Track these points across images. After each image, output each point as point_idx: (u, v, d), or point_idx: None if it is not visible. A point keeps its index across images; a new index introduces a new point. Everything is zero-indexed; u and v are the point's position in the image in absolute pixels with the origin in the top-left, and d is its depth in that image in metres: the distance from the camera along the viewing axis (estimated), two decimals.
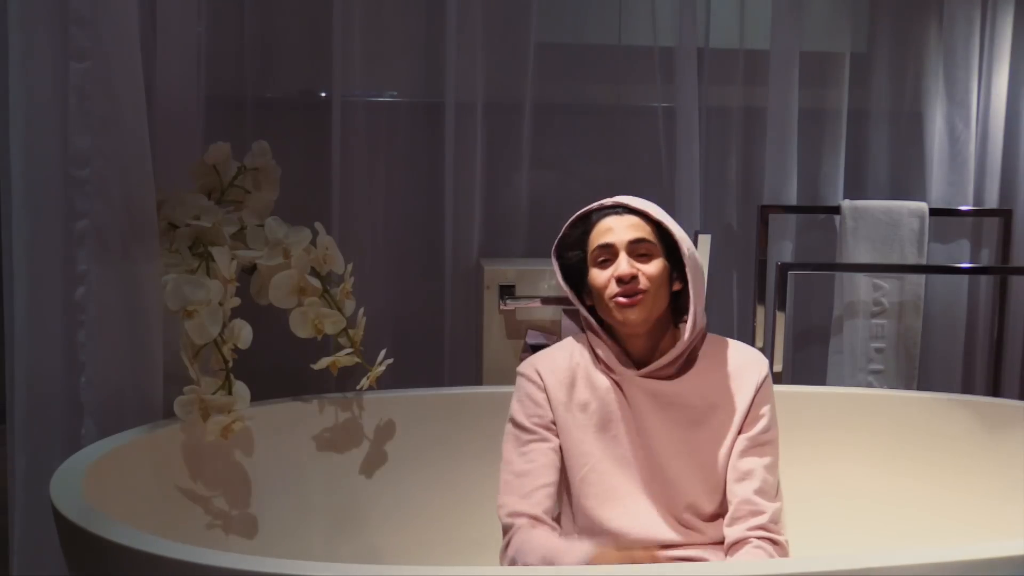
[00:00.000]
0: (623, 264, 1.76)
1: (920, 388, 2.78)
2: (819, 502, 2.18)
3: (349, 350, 2.10)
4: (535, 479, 1.78)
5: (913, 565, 1.40)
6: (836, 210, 2.79)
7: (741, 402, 1.81)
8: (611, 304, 1.77)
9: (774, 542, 1.73)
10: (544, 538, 1.72)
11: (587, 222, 1.83)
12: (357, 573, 1.46)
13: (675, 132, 2.75)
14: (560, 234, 1.86)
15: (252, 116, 2.58)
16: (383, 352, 2.15)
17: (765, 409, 1.82)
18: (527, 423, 1.83)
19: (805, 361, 2.91)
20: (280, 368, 2.33)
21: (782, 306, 2.69)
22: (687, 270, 1.78)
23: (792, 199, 2.79)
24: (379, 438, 2.18)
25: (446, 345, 2.67)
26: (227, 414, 1.92)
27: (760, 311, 2.74)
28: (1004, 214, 2.83)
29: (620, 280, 1.76)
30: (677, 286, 1.82)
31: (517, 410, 1.85)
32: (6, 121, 1.81)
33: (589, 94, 2.78)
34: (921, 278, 2.79)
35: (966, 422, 2.19)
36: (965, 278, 2.86)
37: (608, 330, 1.85)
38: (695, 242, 2.53)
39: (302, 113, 2.67)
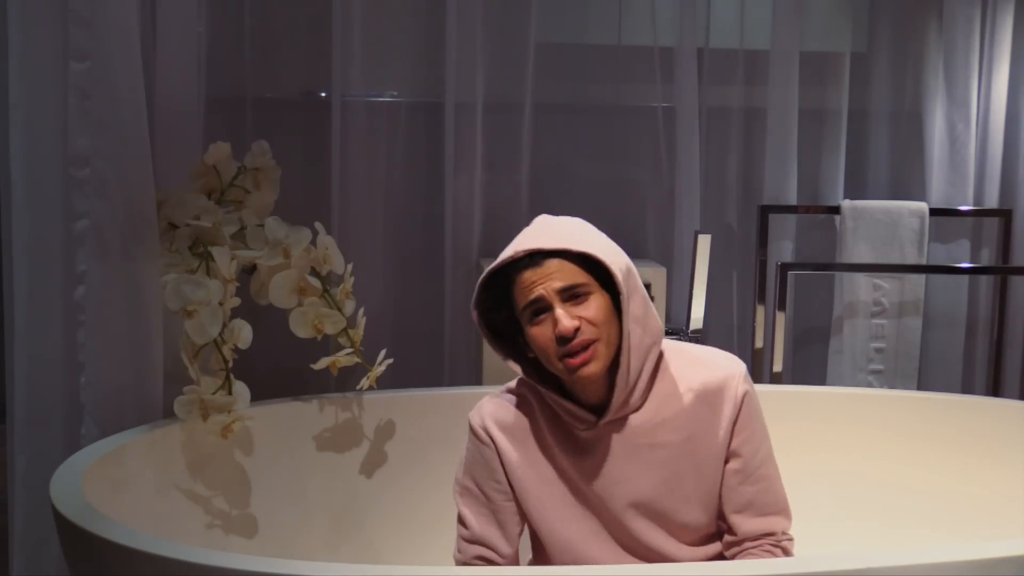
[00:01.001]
0: (562, 320, 1.54)
1: (920, 388, 2.78)
2: (819, 502, 2.18)
3: (349, 350, 2.10)
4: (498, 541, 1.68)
5: (913, 565, 1.40)
6: (836, 210, 2.79)
7: (723, 428, 1.65)
8: (561, 365, 1.57)
9: (784, 551, 1.67)
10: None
11: (505, 278, 1.61)
12: (357, 573, 1.46)
13: (675, 132, 2.75)
14: (475, 294, 1.65)
15: (252, 116, 2.58)
16: (383, 352, 2.15)
17: (750, 428, 1.66)
18: (487, 491, 1.68)
19: (805, 361, 2.91)
20: (280, 368, 2.34)
21: (782, 306, 2.69)
22: (621, 295, 1.57)
23: (792, 199, 2.79)
24: (379, 438, 2.18)
25: (446, 345, 2.67)
26: (227, 414, 1.93)
27: (760, 311, 2.74)
28: (1004, 214, 2.83)
29: (563, 337, 1.54)
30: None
31: (467, 472, 1.70)
32: (6, 121, 1.81)
33: (589, 94, 2.78)
34: (921, 278, 2.79)
35: (966, 422, 2.19)
36: (965, 278, 2.86)
37: (556, 379, 1.64)
38: (695, 242, 2.53)
39: (302, 113, 2.67)
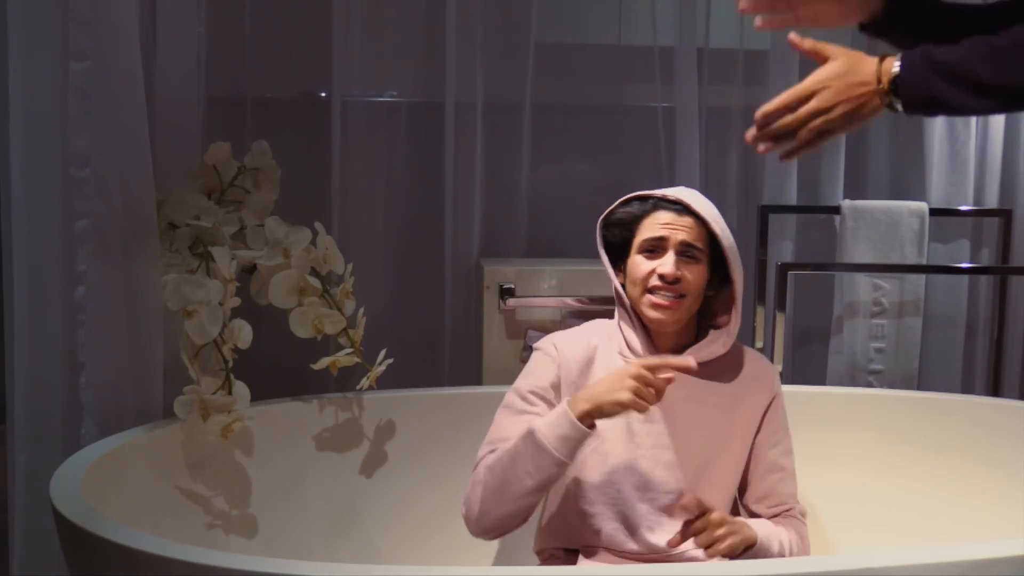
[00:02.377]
0: (669, 264, 1.74)
1: (920, 388, 2.78)
2: (819, 502, 2.18)
3: (349, 350, 2.10)
4: None
5: (913, 565, 1.40)
6: (836, 210, 2.79)
7: (757, 413, 1.84)
8: (645, 299, 1.76)
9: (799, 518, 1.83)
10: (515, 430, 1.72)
11: (643, 205, 1.80)
12: (357, 573, 1.46)
13: (675, 132, 2.75)
14: (611, 207, 1.84)
15: (252, 116, 2.58)
16: (383, 352, 2.15)
17: (777, 422, 1.86)
18: (527, 393, 1.80)
19: (805, 361, 2.91)
20: (280, 368, 2.33)
21: (782, 306, 2.68)
22: (733, 280, 1.80)
23: (792, 199, 2.79)
24: (379, 438, 2.18)
25: (446, 345, 2.67)
26: (227, 414, 1.93)
27: (760, 311, 2.73)
28: (1004, 214, 2.83)
29: (663, 278, 1.74)
30: (709, 292, 1.82)
31: (520, 383, 1.82)
32: (6, 121, 1.81)
33: (589, 94, 2.77)
34: (921, 278, 2.79)
35: (966, 422, 2.19)
36: (965, 278, 2.86)
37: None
38: None
39: (302, 113, 2.67)
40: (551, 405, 1.77)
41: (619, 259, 1.84)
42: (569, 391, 1.78)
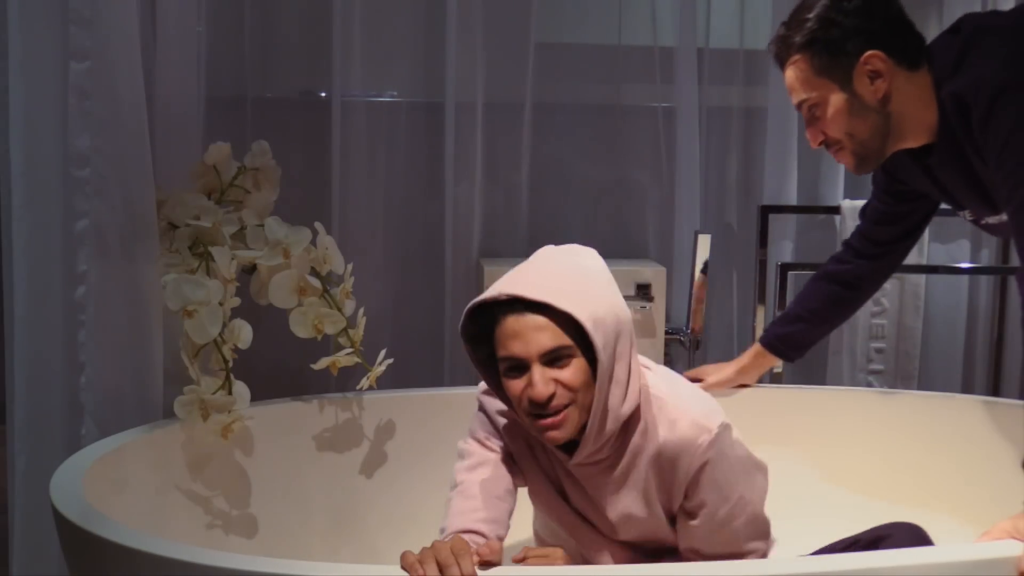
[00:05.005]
0: (538, 383, 1.48)
1: (920, 388, 2.78)
2: (818, 502, 2.18)
3: (349, 350, 2.10)
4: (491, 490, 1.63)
5: (913, 565, 1.40)
6: (836, 210, 2.79)
7: (677, 490, 1.60)
8: (531, 424, 1.53)
9: None
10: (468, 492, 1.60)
11: (489, 318, 1.54)
12: (357, 573, 1.46)
13: (675, 132, 2.75)
14: (461, 322, 1.58)
15: (252, 116, 2.58)
16: (383, 352, 2.15)
17: (703, 496, 1.58)
18: (484, 441, 1.70)
19: (805, 361, 2.89)
20: (280, 368, 2.33)
21: (782, 306, 2.68)
22: (598, 373, 1.50)
23: (792, 199, 2.79)
24: (379, 438, 2.18)
25: (446, 345, 2.67)
26: (227, 414, 1.92)
27: (760, 311, 2.73)
28: None
29: (534, 403, 1.49)
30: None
31: (470, 436, 1.72)
32: (6, 121, 1.81)
33: (589, 94, 2.77)
34: (921, 278, 2.79)
35: (966, 422, 2.19)
36: (965, 278, 2.86)
37: None
38: (695, 242, 2.53)
39: (302, 113, 2.67)
40: (508, 454, 1.69)
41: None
42: (516, 449, 1.68)
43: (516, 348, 1.49)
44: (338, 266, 2.13)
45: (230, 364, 1.97)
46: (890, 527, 1.62)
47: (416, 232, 2.71)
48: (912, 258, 2.75)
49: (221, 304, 1.94)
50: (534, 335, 1.48)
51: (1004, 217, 1.77)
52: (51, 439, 1.86)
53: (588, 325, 1.48)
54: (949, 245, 2.87)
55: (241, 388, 1.98)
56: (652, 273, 2.57)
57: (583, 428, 1.55)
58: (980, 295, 2.90)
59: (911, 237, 2.11)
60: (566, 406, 1.50)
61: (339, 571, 1.41)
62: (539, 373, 1.48)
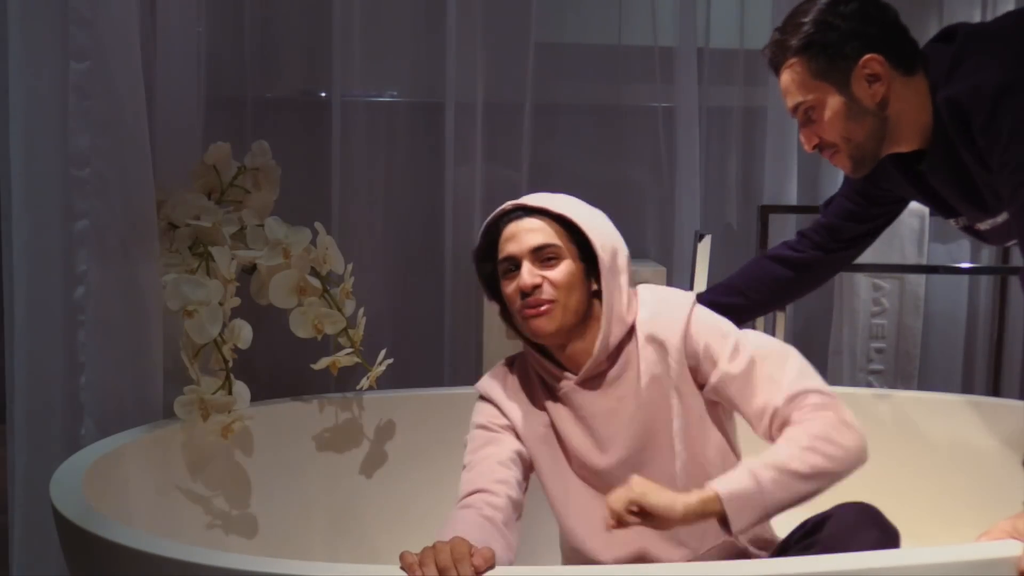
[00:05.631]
0: (525, 275, 1.63)
1: (920, 388, 2.78)
2: (817, 501, 2.18)
3: (349, 350, 2.10)
4: (491, 464, 1.64)
5: (913, 565, 1.40)
6: None
7: (674, 362, 1.65)
8: (519, 317, 1.66)
9: (817, 407, 1.55)
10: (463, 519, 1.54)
11: (491, 232, 1.72)
12: (357, 573, 1.46)
13: (675, 132, 2.75)
14: (476, 245, 1.76)
15: (252, 116, 2.58)
16: (383, 352, 2.15)
17: (705, 341, 1.65)
18: (489, 424, 1.72)
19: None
20: (280, 368, 2.34)
21: (782, 308, 2.68)
22: (600, 271, 1.65)
23: (792, 199, 2.79)
24: (379, 438, 2.18)
25: (446, 345, 2.67)
26: (227, 414, 1.93)
27: None
28: None
29: (523, 292, 1.63)
30: (595, 285, 1.68)
31: (470, 440, 1.73)
32: (6, 121, 1.81)
33: (589, 94, 2.78)
34: (921, 278, 2.79)
35: (966, 422, 2.19)
36: (965, 278, 2.86)
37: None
38: (695, 242, 2.53)
39: (302, 113, 2.67)
40: (514, 433, 1.72)
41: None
42: (516, 423, 1.71)
43: (510, 248, 1.67)
44: (338, 266, 2.13)
45: (230, 364, 1.97)
46: (839, 506, 1.60)
47: (416, 232, 2.71)
48: (912, 258, 2.76)
49: (221, 304, 1.94)
50: (527, 235, 1.66)
51: (999, 220, 1.77)
52: (51, 439, 1.86)
53: (584, 226, 1.65)
54: (949, 245, 2.87)
55: (241, 388, 1.98)
56: (652, 273, 2.57)
57: (568, 336, 1.66)
58: (980, 295, 2.90)
59: (873, 236, 2.10)
60: (551, 301, 1.63)
61: (339, 571, 1.41)
62: (527, 268, 1.64)
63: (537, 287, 1.63)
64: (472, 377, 2.65)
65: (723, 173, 2.84)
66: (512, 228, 1.68)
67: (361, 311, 2.15)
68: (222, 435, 1.93)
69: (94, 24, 1.80)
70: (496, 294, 1.75)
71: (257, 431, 2.04)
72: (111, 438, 1.84)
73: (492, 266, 1.72)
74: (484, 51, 2.65)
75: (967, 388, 2.88)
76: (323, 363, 2.08)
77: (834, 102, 1.73)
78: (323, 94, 2.63)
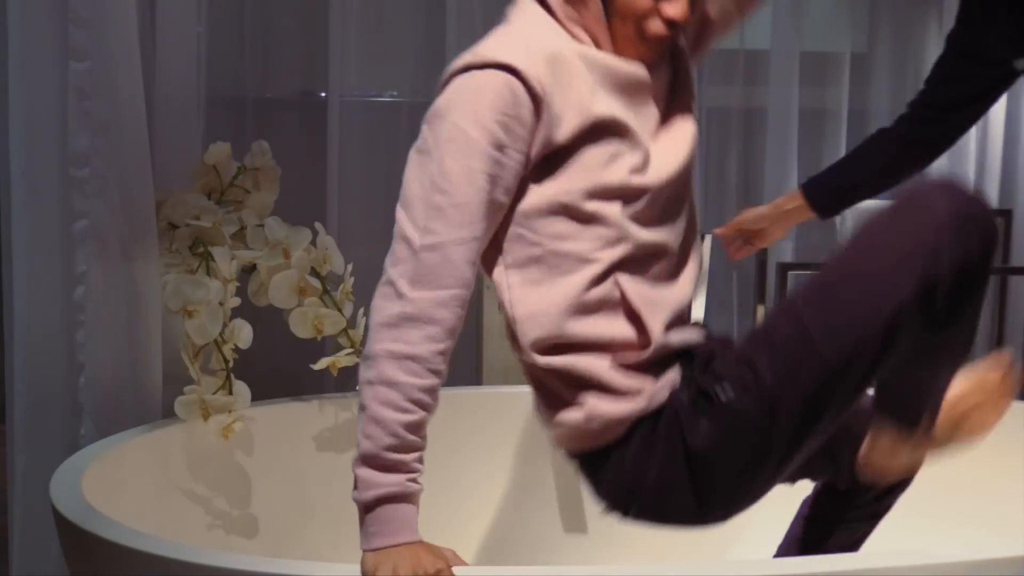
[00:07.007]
0: (681, 5, 1.44)
1: None
2: None
3: (349, 350, 2.10)
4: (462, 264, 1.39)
5: (913, 565, 1.40)
6: None
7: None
8: (641, 25, 1.47)
9: None
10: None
11: None
12: (357, 573, 1.46)
13: None
14: None
15: (252, 116, 2.58)
16: None
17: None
18: (503, 137, 1.42)
19: None
20: (280, 368, 2.33)
21: None
22: None
23: None
24: None
25: None
26: (227, 414, 1.93)
27: (760, 311, 2.73)
28: (1004, 214, 2.83)
29: (672, 24, 1.45)
30: None
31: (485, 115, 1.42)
32: (6, 121, 1.81)
33: None
34: None
35: None
36: None
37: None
38: None
39: (302, 113, 2.67)
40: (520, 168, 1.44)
41: None
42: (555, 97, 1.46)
43: None
44: (338, 266, 2.13)
45: (230, 364, 1.97)
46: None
47: None
48: None
49: (221, 304, 1.94)
50: None
51: None
52: (51, 439, 1.86)
53: None
54: None
55: (241, 388, 1.98)
56: None
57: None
58: None
59: (978, 102, 1.99)
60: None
61: (339, 571, 1.41)
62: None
63: (685, 23, 1.47)
64: (471, 378, 2.66)
65: (723, 173, 2.84)
66: None
67: (361, 311, 2.15)
68: (222, 435, 1.93)
69: (94, 24, 1.80)
70: None
71: (257, 431, 2.04)
72: (111, 438, 1.84)
73: None
74: None
75: None
76: (323, 363, 2.08)
77: None
78: (323, 94, 2.63)
